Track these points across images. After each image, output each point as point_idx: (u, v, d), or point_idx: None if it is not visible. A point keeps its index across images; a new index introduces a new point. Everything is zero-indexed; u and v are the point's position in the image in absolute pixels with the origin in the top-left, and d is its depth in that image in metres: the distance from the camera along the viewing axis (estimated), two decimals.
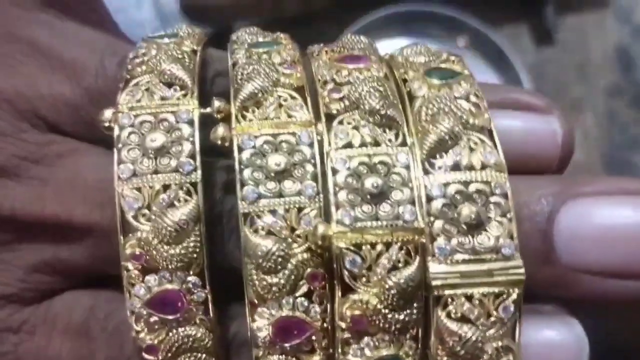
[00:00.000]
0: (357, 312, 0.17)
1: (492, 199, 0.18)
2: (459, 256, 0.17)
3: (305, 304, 0.18)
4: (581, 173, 0.41)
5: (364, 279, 0.17)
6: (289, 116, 0.19)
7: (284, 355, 0.18)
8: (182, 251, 0.18)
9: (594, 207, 0.18)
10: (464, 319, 0.17)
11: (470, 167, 0.18)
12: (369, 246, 0.17)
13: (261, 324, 0.18)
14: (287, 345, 0.18)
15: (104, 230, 0.19)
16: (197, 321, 0.19)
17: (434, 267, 0.17)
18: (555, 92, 0.57)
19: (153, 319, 0.18)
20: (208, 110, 0.19)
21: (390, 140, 0.19)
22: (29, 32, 0.21)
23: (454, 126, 0.19)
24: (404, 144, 0.19)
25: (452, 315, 0.17)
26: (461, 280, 0.17)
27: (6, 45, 0.21)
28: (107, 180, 0.19)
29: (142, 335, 0.19)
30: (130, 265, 0.18)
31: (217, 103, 0.19)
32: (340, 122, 0.19)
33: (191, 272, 0.18)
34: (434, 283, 0.17)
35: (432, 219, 0.18)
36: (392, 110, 0.19)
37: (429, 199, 0.18)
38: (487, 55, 0.56)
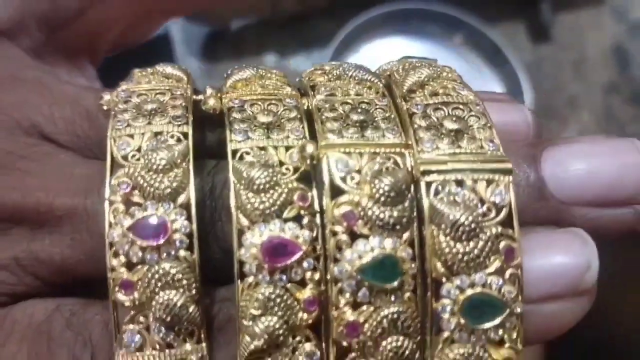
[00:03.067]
0: (348, 208, 0.18)
1: (471, 113, 0.19)
2: (445, 147, 0.18)
3: (296, 229, 0.18)
4: None
5: (354, 181, 0.18)
6: (276, 90, 0.21)
7: (272, 287, 0.18)
8: (170, 179, 0.18)
9: (570, 149, 0.20)
10: (456, 203, 0.18)
11: (448, 94, 0.20)
12: (357, 155, 0.18)
13: (248, 250, 0.18)
14: (277, 266, 0.18)
15: (86, 214, 0.19)
16: (180, 257, 0.18)
17: (422, 156, 0.18)
18: (552, 89, 0.57)
19: (133, 249, 0.18)
20: (200, 97, 0.20)
21: (371, 95, 0.20)
22: (34, 75, 0.22)
23: (432, 73, 0.20)
24: (384, 96, 0.20)
25: (445, 200, 0.18)
26: (450, 166, 0.18)
27: (12, 83, 0.22)
28: (94, 173, 0.19)
29: (115, 274, 0.18)
30: (115, 197, 0.18)
31: (209, 90, 0.20)
32: (324, 85, 0.21)
33: (177, 204, 0.18)
34: (422, 168, 0.18)
35: (415, 126, 0.19)
36: (374, 78, 0.21)
37: (411, 115, 0.19)
38: (484, 53, 0.56)
